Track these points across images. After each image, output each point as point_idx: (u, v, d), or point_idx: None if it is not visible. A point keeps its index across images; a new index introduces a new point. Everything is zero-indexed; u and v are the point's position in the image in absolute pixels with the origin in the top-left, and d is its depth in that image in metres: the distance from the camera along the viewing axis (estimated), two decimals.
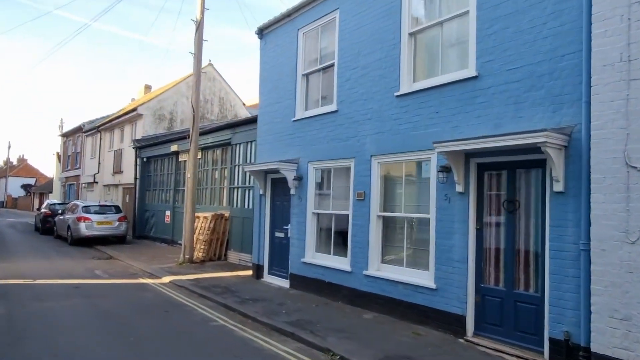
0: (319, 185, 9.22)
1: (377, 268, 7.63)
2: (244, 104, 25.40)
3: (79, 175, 29.63)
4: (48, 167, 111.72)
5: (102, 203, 19.02)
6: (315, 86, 9.62)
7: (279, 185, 10.32)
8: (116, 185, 24.13)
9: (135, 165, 20.74)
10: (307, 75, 9.72)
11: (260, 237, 10.66)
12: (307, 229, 9.18)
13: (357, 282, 7.88)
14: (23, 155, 76.39)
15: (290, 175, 9.44)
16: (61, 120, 37.33)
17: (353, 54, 8.32)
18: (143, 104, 21.91)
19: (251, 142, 13.11)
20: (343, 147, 8.39)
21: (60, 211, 20.01)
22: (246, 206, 13.15)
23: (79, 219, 17.30)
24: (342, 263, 8.32)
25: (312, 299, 8.50)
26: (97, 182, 26.39)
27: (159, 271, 11.73)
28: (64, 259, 13.65)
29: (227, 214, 13.94)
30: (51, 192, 43.13)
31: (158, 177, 19.75)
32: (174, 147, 17.64)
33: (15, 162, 74.17)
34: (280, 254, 10.15)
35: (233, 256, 13.48)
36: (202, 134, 15.59)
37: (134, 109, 21.74)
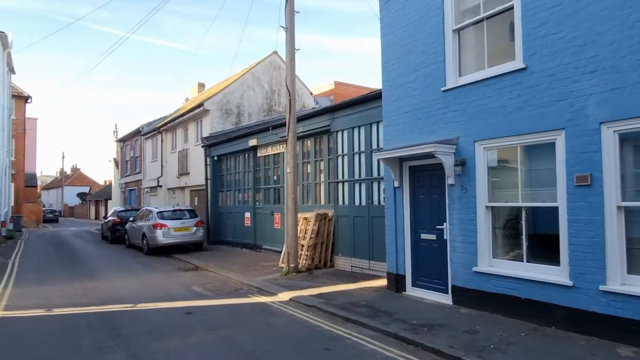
0: (492, 171, 7.03)
1: (622, 281, 5.37)
2: (311, 93, 23.45)
3: (140, 179, 28.61)
4: (100, 174, 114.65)
5: (177, 207, 17.50)
6: (473, 43, 7.41)
7: (421, 174, 8.22)
8: (182, 188, 22.77)
9: (206, 164, 19.17)
10: (458, 31, 7.53)
11: (397, 240, 8.58)
12: (479, 229, 7.01)
13: (585, 301, 5.65)
14: (76, 165, 78.00)
15: (448, 160, 7.30)
16: (115, 126, 36.69)
17: None
18: (209, 98, 20.31)
19: (358, 127, 11.07)
20: (540, 115, 6.15)
21: (131, 218, 18.70)
22: (356, 203, 11.13)
23: (155, 226, 15.84)
24: (551, 274, 6.10)
25: (504, 322, 6.34)
26: (160, 186, 25.18)
27: (266, 285, 9.89)
28: (150, 273, 12.08)
29: (330, 213, 11.97)
30: (109, 199, 42.91)
31: (232, 176, 18.08)
32: (252, 142, 15.86)
33: (69, 172, 75.79)
34: (429, 261, 8.04)
35: (342, 262, 11.51)
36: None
37: (200, 105, 20.17)
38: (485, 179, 7.00)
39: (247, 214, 16.68)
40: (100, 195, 55.44)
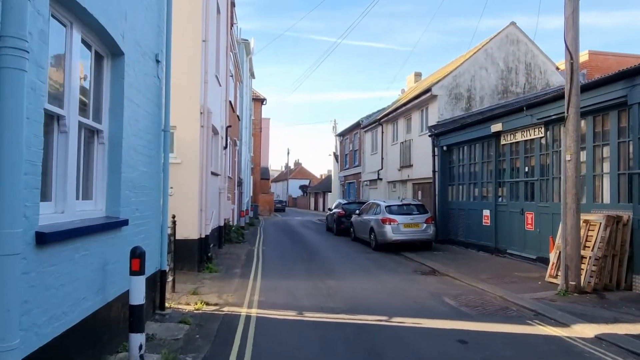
0: None
1: None
2: (557, 69, 19.44)
3: (359, 172, 28.76)
4: (318, 167, 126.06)
5: (404, 202, 16.27)
6: None
7: None
8: (404, 181, 21.60)
9: (433, 155, 17.43)
10: None
11: None
12: None
13: None
14: (298, 160, 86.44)
15: None
16: (334, 121, 38.24)
17: None
18: (436, 82, 18.51)
19: None
20: None
21: (357, 212, 18.29)
22: None
23: (384, 221, 14.86)
24: None
25: None
26: (380, 179, 24.61)
27: (543, 308, 7.52)
28: (386, 274, 10.94)
29: (625, 216, 8.80)
30: (327, 192, 45.38)
31: (465, 167, 15.89)
32: (495, 127, 13.40)
33: (292, 166, 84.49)
34: None
35: None
36: (554, 99, 10.91)
37: (427, 90, 18.53)
38: None
39: (486, 212, 14.30)
40: (318, 188, 59.71)
